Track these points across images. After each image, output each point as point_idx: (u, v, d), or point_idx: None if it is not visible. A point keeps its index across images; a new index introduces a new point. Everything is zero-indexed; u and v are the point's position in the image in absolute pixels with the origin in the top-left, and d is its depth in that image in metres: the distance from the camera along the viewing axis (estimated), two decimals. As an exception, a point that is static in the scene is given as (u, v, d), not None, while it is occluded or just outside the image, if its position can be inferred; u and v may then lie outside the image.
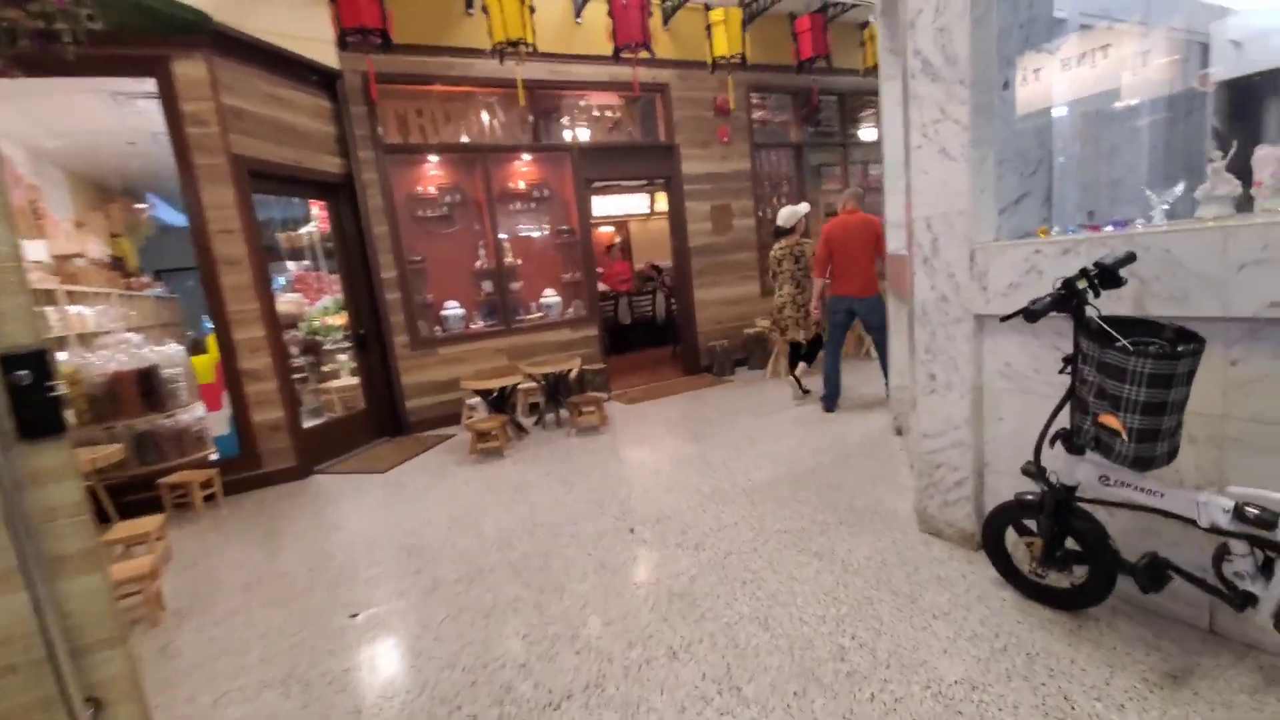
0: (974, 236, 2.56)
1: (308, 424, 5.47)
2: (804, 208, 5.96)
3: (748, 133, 7.73)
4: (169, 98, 4.42)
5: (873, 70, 7.02)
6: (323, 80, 5.57)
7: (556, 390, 5.96)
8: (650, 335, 10.73)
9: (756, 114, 7.85)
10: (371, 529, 3.83)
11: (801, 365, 5.91)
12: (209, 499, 4.59)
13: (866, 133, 9.07)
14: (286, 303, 7.23)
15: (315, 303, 7.17)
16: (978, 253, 2.53)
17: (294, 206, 7.13)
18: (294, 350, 7.14)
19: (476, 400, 6.05)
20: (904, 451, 4.10)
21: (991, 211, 2.59)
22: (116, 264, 8.35)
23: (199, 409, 5.03)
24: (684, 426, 5.38)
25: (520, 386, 5.93)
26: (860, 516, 3.24)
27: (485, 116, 6.36)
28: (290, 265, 7.21)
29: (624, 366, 8.68)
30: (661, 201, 13.57)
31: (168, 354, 5.05)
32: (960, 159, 2.55)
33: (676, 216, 7.40)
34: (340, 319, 6.41)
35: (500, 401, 5.57)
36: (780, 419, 5.22)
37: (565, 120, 6.88)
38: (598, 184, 9.20)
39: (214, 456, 4.97)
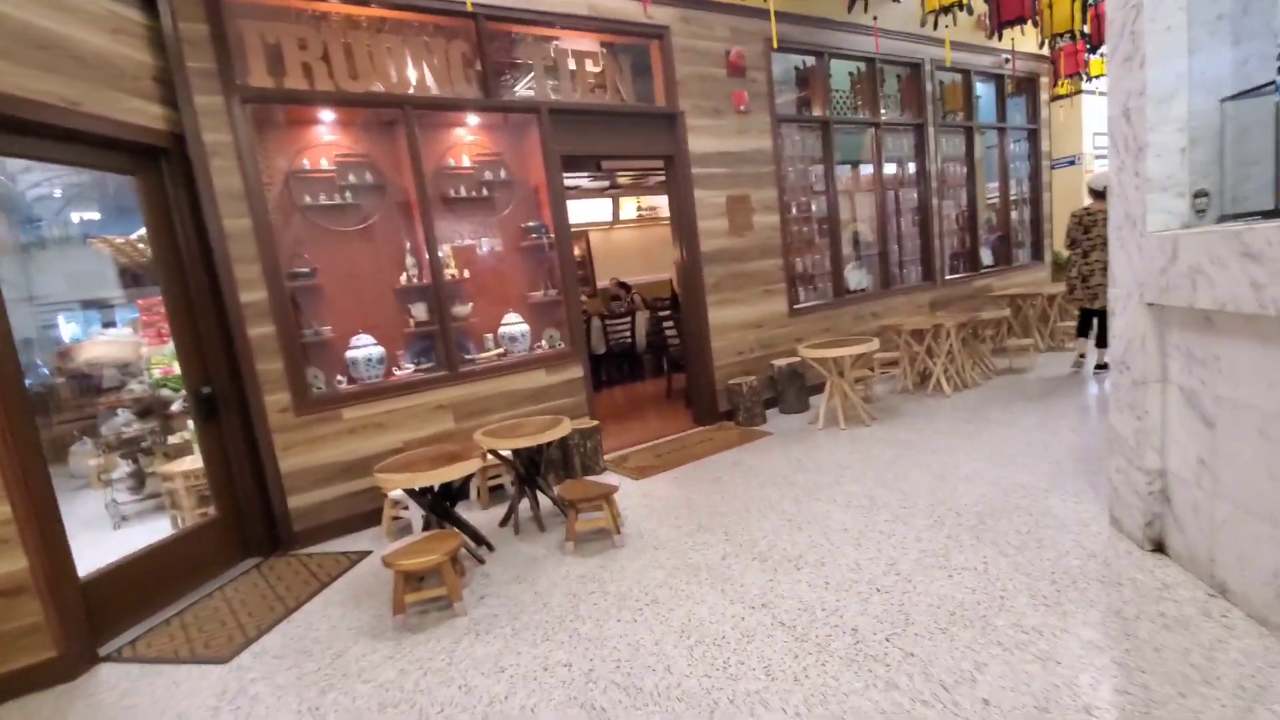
0: None
1: (113, 557, 3.13)
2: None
3: (768, 101, 5.85)
4: None
5: (942, 11, 5.29)
6: (124, -28, 3.31)
7: (536, 471, 3.81)
8: (631, 367, 8.68)
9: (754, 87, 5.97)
10: None
11: (1090, 348, 5.91)
12: None
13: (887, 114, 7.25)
14: (109, 344, 4.88)
15: (163, 343, 4.80)
16: None
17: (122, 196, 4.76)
18: (126, 416, 4.79)
19: (403, 493, 3.82)
20: (1216, 597, 2.19)
21: None
22: None
23: None
24: (748, 527, 3.33)
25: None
26: None
27: (410, 58, 4.22)
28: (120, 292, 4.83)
29: (609, 410, 6.59)
30: (627, 208, 11.64)
31: None
32: None
33: (682, 210, 5.41)
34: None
35: (445, 497, 3.38)
36: (900, 507, 3.26)
37: (529, 73, 4.80)
38: (578, 175, 7.22)
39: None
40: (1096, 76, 9.11)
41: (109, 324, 4.93)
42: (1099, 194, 5.55)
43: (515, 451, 3.66)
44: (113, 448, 4.82)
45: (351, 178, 4.20)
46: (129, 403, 4.75)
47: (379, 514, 4.01)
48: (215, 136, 3.57)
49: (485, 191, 4.70)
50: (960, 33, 7.33)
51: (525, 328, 4.70)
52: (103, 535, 4.29)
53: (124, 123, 3.26)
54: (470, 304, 4.58)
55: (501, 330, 4.65)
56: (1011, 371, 6.26)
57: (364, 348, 4.13)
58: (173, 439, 4.63)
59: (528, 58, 4.75)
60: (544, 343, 4.84)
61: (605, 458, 4.90)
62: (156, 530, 3.79)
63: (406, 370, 4.35)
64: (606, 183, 10.62)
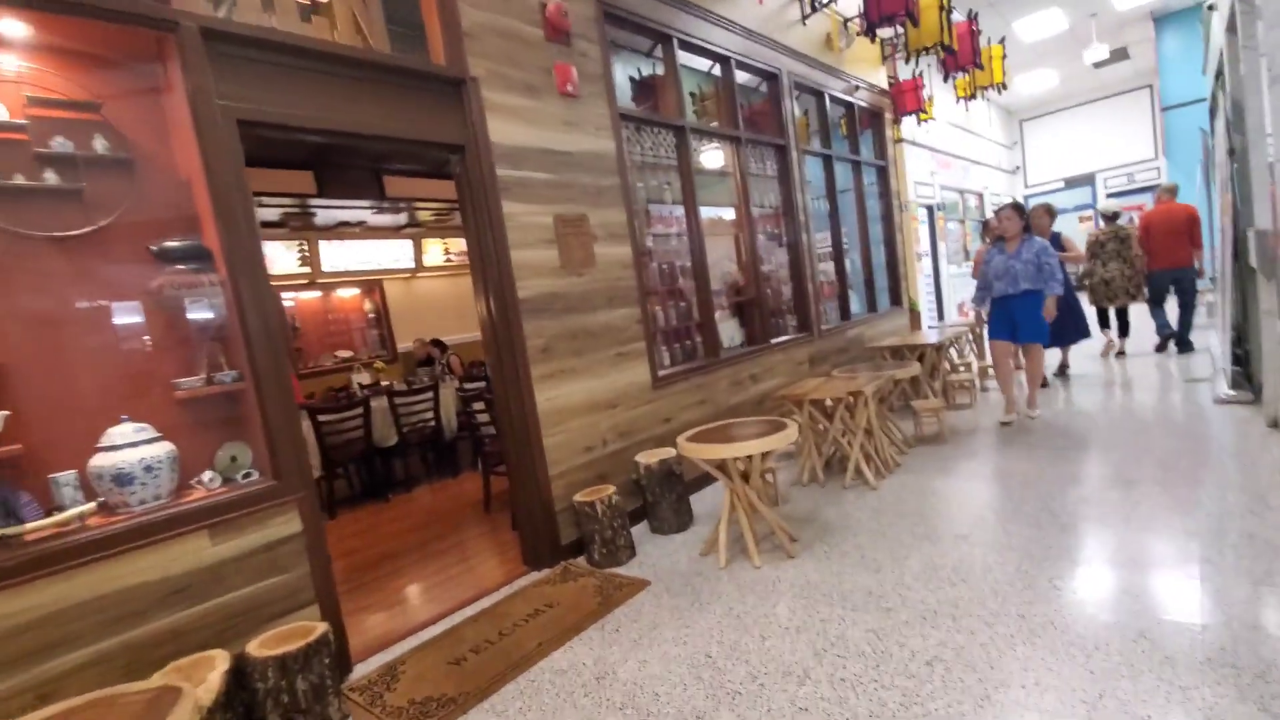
0: None
1: None
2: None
3: (605, 86, 4.15)
4: None
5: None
6: None
7: None
8: (440, 460, 6.31)
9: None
10: None
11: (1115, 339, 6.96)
12: None
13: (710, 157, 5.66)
14: None
15: None
16: None
17: None
18: None
19: None
20: None
21: None
22: None
23: None
24: None
25: None
26: None
27: None
28: None
29: (390, 545, 4.19)
30: (434, 253, 9.37)
31: None
32: None
33: (485, 233, 3.40)
34: None
35: None
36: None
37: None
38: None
39: None
40: (926, 121, 8.81)
41: None
42: (1109, 218, 6.76)
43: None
44: None
45: None
46: None
47: None
48: None
49: (58, 178, 2.32)
50: (813, 48, 6.36)
51: (164, 449, 2.32)
52: None
53: None
54: (3, 412, 2.11)
55: (97, 464, 2.22)
56: (921, 440, 4.98)
57: None
58: None
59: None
60: (211, 475, 2.48)
61: (352, 678, 2.60)
62: None
63: None
64: (404, 219, 8.36)
